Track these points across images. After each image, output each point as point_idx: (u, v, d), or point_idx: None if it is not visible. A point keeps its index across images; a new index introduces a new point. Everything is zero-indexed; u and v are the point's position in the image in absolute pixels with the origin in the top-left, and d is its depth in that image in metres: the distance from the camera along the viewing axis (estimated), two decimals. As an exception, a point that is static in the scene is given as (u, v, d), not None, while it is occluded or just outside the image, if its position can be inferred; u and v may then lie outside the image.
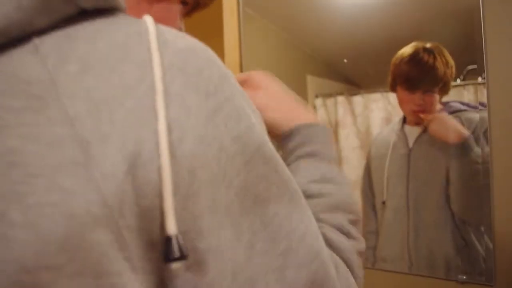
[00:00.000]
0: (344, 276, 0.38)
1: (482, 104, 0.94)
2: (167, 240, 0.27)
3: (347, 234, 0.42)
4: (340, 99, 1.22)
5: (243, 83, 0.53)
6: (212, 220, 0.29)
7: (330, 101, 1.24)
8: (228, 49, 1.29)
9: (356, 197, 1.17)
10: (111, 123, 0.26)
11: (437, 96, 1.02)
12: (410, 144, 1.08)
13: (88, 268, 0.25)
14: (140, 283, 0.27)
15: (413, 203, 1.05)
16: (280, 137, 0.51)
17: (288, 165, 0.48)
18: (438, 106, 1.02)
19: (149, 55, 0.29)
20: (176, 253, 0.27)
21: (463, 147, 0.97)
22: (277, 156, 0.34)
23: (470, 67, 0.97)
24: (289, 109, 0.53)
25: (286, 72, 1.31)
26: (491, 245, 0.92)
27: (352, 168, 1.19)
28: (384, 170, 1.11)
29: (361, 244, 0.43)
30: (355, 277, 0.40)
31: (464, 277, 0.96)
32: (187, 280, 0.28)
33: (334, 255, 0.38)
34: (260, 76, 0.56)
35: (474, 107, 0.96)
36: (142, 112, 0.27)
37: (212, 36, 1.33)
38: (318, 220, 0.41)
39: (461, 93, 1.00)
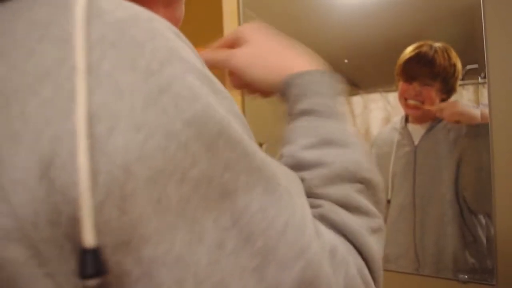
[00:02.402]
0: (343, 271, 0.31)
1: (482, 104, 0.94)
2: (82, 253, 0.22)
3: (356, 210, 0.35)
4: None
5: (233, 42, 0.48)
6: (159, 222, 0.24)
7: (330, 102, 1.24)
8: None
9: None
10: (22, 118, 0.22)
11: (435, 92, 1.02)
12: (416, 141, 1.08)
13: None
14: None
15: (419, 200, 1.05)
16: (277, 95, 0.44)
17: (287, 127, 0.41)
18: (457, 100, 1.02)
19: (73, 29, 0.24)
20: (90, 270, 0.22)
21: (477, 129, 0.97)
22: (245, 138, 0.28)
23: (469, 66, 0.97)
24: (279, 60, 0.45)
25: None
26: (493, 243, 0.92)
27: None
28: (388, 168, 1.11)
29: (376, 219, 0.36)
30: (369, 263, 0.33)
31: (466, 277, 0.96)
32: None
33: (331, 244, 0.31)
34: (247, 30, 0.48)
35: (475, 107, 0.97)
36: (61, 101, 0.22)
37: (212, 38, 1.33)
38: (317, 197, 0.35)
39: (461, 93, 1.00)
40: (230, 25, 1.31)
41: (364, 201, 0.36)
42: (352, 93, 1.20)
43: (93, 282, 0.23)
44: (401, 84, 1.08)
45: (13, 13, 0.25)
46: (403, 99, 1.08)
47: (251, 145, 0.28)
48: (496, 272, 0.92)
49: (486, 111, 0.93)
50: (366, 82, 1.18)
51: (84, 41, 0.23)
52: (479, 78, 0.94)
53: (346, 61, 1.19)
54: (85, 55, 0.23)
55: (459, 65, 0.99)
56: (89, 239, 0.22)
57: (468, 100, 0.98)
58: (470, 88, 0.98)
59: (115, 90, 0.23)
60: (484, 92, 0.93)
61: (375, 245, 0.34)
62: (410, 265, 1.06)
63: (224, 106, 0.28)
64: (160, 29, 0.26)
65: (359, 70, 1.18)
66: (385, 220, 1.11)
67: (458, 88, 1.00)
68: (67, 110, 0.22)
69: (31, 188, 0.22)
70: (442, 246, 1.01)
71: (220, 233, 0.26)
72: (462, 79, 0.99)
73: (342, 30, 1.17)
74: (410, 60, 1.04)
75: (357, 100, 1.19)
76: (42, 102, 0.22)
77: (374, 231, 0.35)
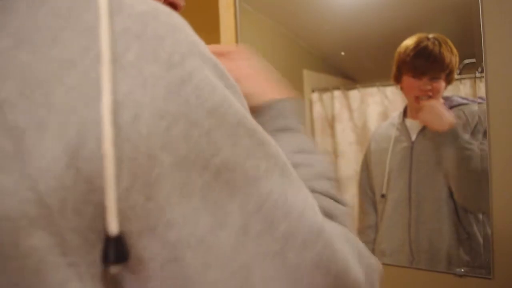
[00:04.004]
0: (352, 245, 0.34)
1: (480, 97, 0.94)
2: (106, 240, 0.23)
3: (337, 200, 0.40)
4: (337, 93, 1.21)
5: (220, 55, 0.51)
6: (183, 207, 0.25)
7: (326, 96, 1.23)
8: (225, 43, 1.28)
9: (353, 192, 1.18)
10: (48, 106, 0.22)
11: (443, 84, 1.02)
12: (413, 137, 1.08)
13: (25, 279, 0.22)
14: None
15: (415, 196, 1.05)
16: (253, 110, 0.48)
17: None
18: (441, 100, 1.02)
19: (97, 19, 0.24)
20: (112, 256, 0.23)
21: (451, 134, 0.99)
22: (260, 128, 0.30)
23: (467, 61, 0.97)
24: (264, 83, 0.51)
25: (283, 66, 1.30)
26: (489, 231, 0.93)
27: (348, 163, 1.19)
28: (385, 164, 1.11)
29: (346, 208, 0.41)
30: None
31: (463, 270, 0.96)
32: (164, 279, 0.25)
33: (336, 223, 0.35)
34: (239, 50, 0.54)
35: (473, 101, 0.97)
36: (87, 89, 0.23)
37: (208, 31, 1.32)
38: (310, 188, 0.39)
39: (458, 87, 1.00)
40: (226, 18, 1.30)
41: (337, 194, 0.41)
42: (349, 87, 1.19)
43: (115, 268, 0.24)
44: (408, 80, 1.07)
45: (36, 2, 0.25)
46: (413, 96, 1.07)
47: (265, 134, 0.30)
48: (492, 266, 0.92)
49: (484, 106, 0.93)
50: (363, 76, 1.18)
51: (109, 32, 0.24)
52: (477, 72, 0.94)
53: (343, 53, 1.18)
54: (110, 45, 0.24)
55: (457, 54, 1.00)
56: (112, 227, 0.23)
57: (465, 94, 0.98)
58: (467, 83, 0.98)
59: (139, 80, 0.24)
60: (481, 86, 0.93)
61: (353, 227, 0.40)
62: (405, 259, 1.06)
63: (236, 99, 0.29)
64: (179, 23, 0.28)
65: (356, 63, 1.18)
66: (381, 215, 1.12)
67: (456, 83, 1.00)
68: (93, 99, 0.23)
69: (58, 176, 0.22)
70: (436, 241, 1.02)
71: (245, 218, 0.27)
72: (460, 73, 0.99)
73: (338, 23, 1.16)
74: (417, 55, 1.03)
75: (354, 94, 1.19)
76: (67, 90, 0.23)
77: (347, 216, 0.41)
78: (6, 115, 0.22)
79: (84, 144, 0.22)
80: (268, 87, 0.51)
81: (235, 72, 0.48)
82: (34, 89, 0.22)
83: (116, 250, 0.23)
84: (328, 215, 0.36)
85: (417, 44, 1.03)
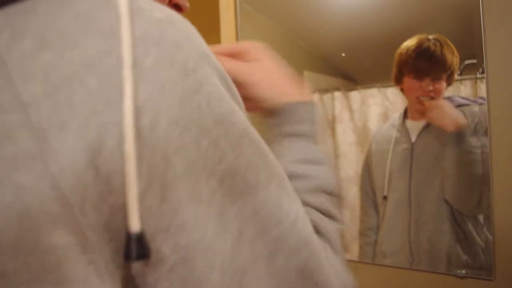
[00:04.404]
0: (333, 261, 0.36)
1: (481, 98, 0.94)
2: (128, 237, 0.24)
3: (330, 216, 0.41)
4: (337, 94, 1.21)
5: (237, 54, 0.50)
6: (194, 211, 0.26)
7: (327, 97, 1.23)
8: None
9: (354, 193, 1.17)
10: (70, 107, 0.23)
11: (444, 84, 1.02)
12: (413, 138, 1.08)
13: (45, 275, 0.23)
14: None
15: (415, 197, 1.05)
16: (267, 113, 0.48)
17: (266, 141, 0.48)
18: (445, 101, 1.02)
19: (117, 24, 0.25)
20: (135, 252, 0.24)
21: (458, 136, 0.98)
22: (262, 140, 0.32)
23: (467, 61, 0.96)
24: (281, 85, 0.50)
25: (283, 67, 1.30)
26: (490, 236, 0.93)
27: (349, 164, 1.19)
28: (385, 165, 1.11)
29: (342, 225, 0.43)
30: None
31: (464, 272, 0.96)
32: (172, 282, 0.26)
33: (321, 240, 0.36)
34: (256, 48, 0.52)
35: (474, 102, 0.96)
36: (108, 92, 0.24)
37: (209, 32, 1.32)
38: (302, 202, 0.39)
39: (458, 88, 1.00)
40: (226, 19, 1.30)
41: (333, 209, 0.42)
42: (350, 88, 1.19)
43: (138, 264, 0.25)
44: (409, 81, 1.06)
45: (57, 6, 0.25)
46: (415, 97, 1.07)
47: (266, 145, 0.32)
48: (494, 268, 0.92)
49: (484, 107, 0.93)
50: (363, 77, 1.17)
51: (130, 36, 0.25)
52: (477, 73, 0.94)
53: (343, 54, 1.18)
54: (131, 50, 0.24)
55: (458, 55, 0.99)
56: (135, 224, 0.24)
57: (466, 95, 0.98)
58: (468, 83, 0.98)
59: (157, 86, 0.25)
60: (482, 87, 0.93)
61: (340, 246, 0.40)
62: (406, 261, 1.06)
63: (239, 104, 0.31)
64: (192, 31, 0.29)
65: (357, 64, 1.18)
66: (382, 216, 1.12)
67: (456, 83, 1.00)
68: (114, 102, 0.23)
69: (79, 175, 0.23)
70: (436, 242, 1.02)
71: (241, 223, 0.29)
72: (460, 74, 0.98)
73: (339, 24, 1.16)
74: (419, 56, 1.03)
75: (355, 95, 1.19)
76: (89, 92, 0.23)
77: (340, 233, 0.42)
78: (29, 115, 0.22)
79: (104, 145, 0.23)
80: (287, 88, 0.50)
81: (250, 77, 0.48)
82: (57, 91, 0.23)
83: (138, 247, 0.24)
84: (316, 230, 0.37)
85: (419, 45, 1.03)
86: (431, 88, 1.03)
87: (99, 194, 0.23)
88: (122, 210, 0.24)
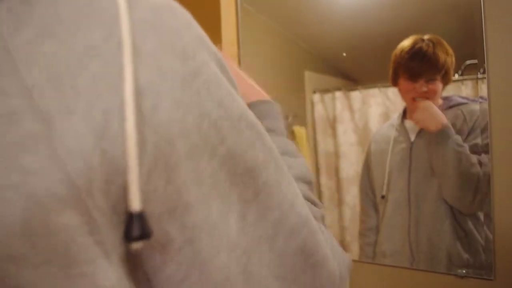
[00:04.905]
0: (329, 240, 0.37)
1: (482, 97, 0.94)
2: (129, 217, 0.24)
3: (313, 203, 0.42)
4: (338, 94, 1.21)
5: None
6: (198, 193, 0.27)
7: (328, 97, 1.23)
8: (226, 44, 1.28)
9: (354, 193, 1.17)
10: (74, 91, 0.23)
11: (440, 85, 1.02)
12: (412, 138, 1.08)
13: (54, 256, 0.23)
14: (114, 270, 0.25)
15: (414, 197, 1.05)
16: None
17: None
18: (440, 101, 1.02)
19: (116, 11, 0.25)
20: (136, 232, 0.24)
21: (443, 135, 0.99)
22: (258, 122, 0.32)
23: (468, 62, 0.96)
24: (246, 85, 0.53)
25: (284, 67, 1.30)
26: (490, 235, 0.93)
27: (350, 164, 1.19)
28: (385, 165, 1.11)
29: (322, 210, 0.43)
30: None
31: (464, 271, 0.96)
32: (180, 263, 0.27)
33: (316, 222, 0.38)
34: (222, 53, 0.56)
35: (473, 101, 0.96)
36: (109, 76, 0.24)
37: (210, 32, 1.32)
38: None
39: (459, 88, 1.00)
40: (227, 18, 1.30)
41: (314, 197, 0.43)
42: (351, 88, 1.19)
43: (138, 244, 0.25)
44: (404, 82, 1.07)
45: None
46: (410, 98, 1.07)
47: (262, 127, 0.32)
48: (494, 267, 0.92)
49: (485, 106, 0.93)
50: (364, 77, 1.17)
51: (129, 22, 0.25)
52: (478, 73, 0.94)
53: (344, 54, 1.18)
54: (130, 35, 0.25)
55: (453, 54, 0.99)
56: (135, 203, 0.24)
57: (467, 95, 0.98)
58: (469, 84, 0.98)
59: (157, 70, 0.25)
60: (483, 87, 0.93)
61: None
62: (406, 260, 1.06)
63: (235, 88, 0.31)
64: (189, 18, 0.29)
65: (358, 64, 1.18)
66: (382, 216, 1.12)
67: (457, 84, 1.00)
68: (116, 85, 0.24)
69: (86, 157, 0.23)
70: (436, 242, 1.02)
71: (243, 206, 0.29)
72: (461, 74, 0.98)
73: (340, 24, 1.16)
74: (412, 57, 1.03)
75: (356, 95, 1.19)
76: (92, 77, 0.24)
77: (323, 218, 0.43)
78: (35, 100, 0.23)
79: (109, 127, 0.23)
80: (251, 89, 0.52)
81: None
82: (60, 76, 0.23)
83: (139, 227, 0.24)
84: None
85: (412, 46, 1.03)
86: (425, 89, 1.03)
87: (106, 176, 0.24)
88: (126, 189, 0.24)
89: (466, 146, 0.96)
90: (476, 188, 0.94)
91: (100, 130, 0.23)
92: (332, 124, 1.22)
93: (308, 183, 0.44)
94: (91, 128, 0.23)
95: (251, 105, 0.49)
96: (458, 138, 0.97)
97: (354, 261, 1.13)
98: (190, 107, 0.26)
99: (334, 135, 1.22)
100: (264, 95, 0.52)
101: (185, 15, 0.29)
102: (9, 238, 0.22)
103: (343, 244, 1.19)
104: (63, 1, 0.25)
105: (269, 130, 0.46)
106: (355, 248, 1.16)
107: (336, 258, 0.36)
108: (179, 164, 0.26)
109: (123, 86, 0.24)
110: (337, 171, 1.21)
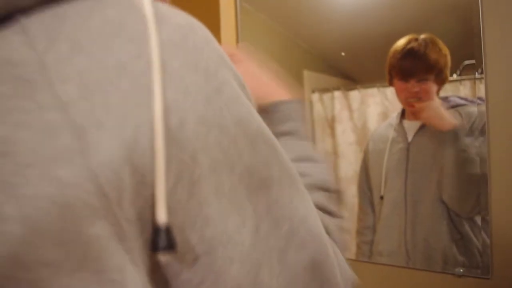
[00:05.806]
0: (339, 258, 0.37)
1: (480, 98, 0.94)
2: (156, 229, 0.26)
3: (330, 213, 0.42)
4: (337, 94, 1.22)
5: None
6: (218, 206, 0.28)
7: (326, 96, 1.24)
8: (225, 43, 1.29)
9: (353, 193, 1.18)
10: (106, 106, 0.25)
11: (432, 85, 1.02)
12: (409, 138, 1.08)
13: (87, 264, 0.24)
14: (140, 277, 0.26)
15: (410, 197, 1.06)
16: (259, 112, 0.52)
17: None
18: (438, 101, 1.03)
19: (145, 30, 0.27)
20: (163, 244, 0.26)
21: (453, 136, 0.99)
22: (275, 139, 0.33)
23: (466, 62, 0.97)
24: (264, 85, 0.52)
25: (283, 67, 1.30)
26: (487, 239, 0.93)
27: (349, 164, 1.19)
28: (382, 164, 1.11)
29: (339, 219, 0.43)
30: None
31: (461, 270, 0.96)
32: (196, 272, 0.28)
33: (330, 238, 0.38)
34: (241, 51, 0.55)
35: (472, 102, 0.97)
36: (139, 93, 0.25)
37: (209, 30, 1.32)
38: None
39: (458, 88, 1.00)
40: (227, 18, 1.30)
41: (331, 206, 0.43)
42: (350, 88, 1.20)
43: (165, 256, 0.26)
44: (397, 83, 1.07)
45: (87, 11, 0.27)
46: (403, 98, 1.07)
47: (277, 142, 0.34)
48: (491, 266, 0.92)
49: (483, 107, 0.93)
50: (363, 76, 1.18)
51: (158, 41, 0.27)
52: (476, 73, 0.94)
53: (343, 54, 1.18)
54: (159, 54, 0.26)
55: (449, 55, 0.99)
56: (162, 216, 0.26)
57: (465, 95, 0.99)
58: (467, 84, 0.98)
59: (183, 88, 0.27)
60: (481, 87, 0.93)
61: (344, 242, 0.42)
62: (402, 260, 1.06)
63: (252, 102, 0.33)
64: (209, 36, 0.31)
65: (357, 64, 1.18)
66: (379, 215, 1.12)
67: (455, 84, 1.00)
68: (145, 103, 0.25)
69: (117, 170, 0.24)
70: (432, 242, 1.02)
71: (257, 219, 0.30)
72: (459, 75, 0.99)
73: (339, 23, 1.17)
74: (403, 57, 1.04)
75: (355, 95, 1.19)
76: (122, 94, 0.25)
77: (341, 228, 0.43)
78: (70, 114, 0.24)
79: (139, 142, 0.25)
80: (272, 88, 0.52)
81: (247, 74, 0.48)
82: (92, 92, 0.25)
83: (165, 238, 0.26)
84: (326, 230, 0.38)
85: (404, 46, 1.04)
86: (416, 89, 1.03)
87: (135, 188, 0.25)
88: (153, 203, 0.26)
89: (473, 149, 0.96)
90: (479, 192, 0.94)
91: (130, 145, 0.25)
92: (331, 123, 1.23)
93: (327, 190, 0.44)
94: (122, 142, 0.24)
95: (272, 105, 0.49)
96: (467, 140, 0.97)
97: (350, 259, 1.14)
98: (212, 124, 0.28)
99: (333, 134, 1.22)
100: (286, 94, 0.52)
101: (205, 34, 0.30)
102: (45, 245, 0.23)
103: (344, 239, 1.19)
104: (94, 18, 0.27)
105: (290, 134, 0.47)
106: (352, 247, 1.16)
107: (343, 276, 0.37)
108: (201, 178, 0.27)
109: (153, 103, 0.25)
110: (335, 170, 1.22)
